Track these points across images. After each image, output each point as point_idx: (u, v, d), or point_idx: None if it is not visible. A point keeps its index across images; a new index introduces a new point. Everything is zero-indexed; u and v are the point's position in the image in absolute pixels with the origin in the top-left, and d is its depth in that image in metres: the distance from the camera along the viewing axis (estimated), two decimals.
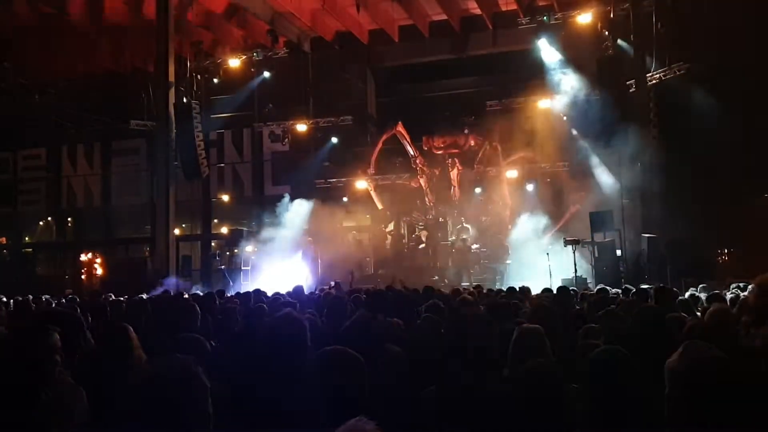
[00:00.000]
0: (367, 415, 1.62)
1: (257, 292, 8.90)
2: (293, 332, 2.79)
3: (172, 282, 17.12)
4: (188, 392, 1.98)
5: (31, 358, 2.63)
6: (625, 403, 2.43)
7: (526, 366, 2.84)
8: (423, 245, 20.68)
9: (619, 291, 8.97)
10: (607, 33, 16.88)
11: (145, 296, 9.98)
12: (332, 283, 15.10)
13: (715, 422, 2.02)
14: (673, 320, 4.05)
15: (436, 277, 18.80)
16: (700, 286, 8.91)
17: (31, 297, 8.56)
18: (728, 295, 7.36)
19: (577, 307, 6.82)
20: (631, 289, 8.56)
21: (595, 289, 9.65)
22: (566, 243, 17.70)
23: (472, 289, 9.85)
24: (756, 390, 2.31)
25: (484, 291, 9.87)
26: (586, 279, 16.05)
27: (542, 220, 18.55)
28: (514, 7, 20.01)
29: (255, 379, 2.57)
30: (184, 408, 1.96)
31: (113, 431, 2.40)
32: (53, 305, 8.70)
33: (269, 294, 9.06)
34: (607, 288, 8.81)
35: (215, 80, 21.46)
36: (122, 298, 9.32)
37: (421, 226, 21.20)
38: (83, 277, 23.31)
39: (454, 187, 20.85)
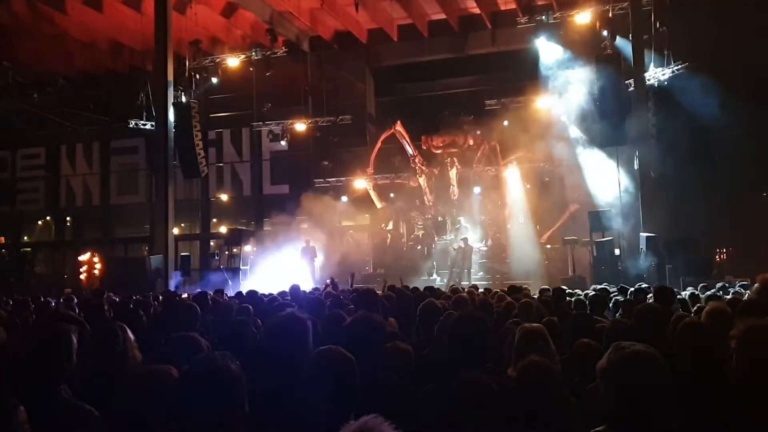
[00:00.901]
0: (365, 412, 1.62)
1: (248, 294, 8.66)
2: (294, 333, 2.79)
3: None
4: (234, 388, 2.03)
5: (53, 356, 2.65)
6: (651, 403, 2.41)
7: (522, 364, 2.84)
8: (421, 245, 20.67)
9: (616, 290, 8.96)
10: (605, 32, 16.88)
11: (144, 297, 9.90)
12: (328, 281, 15.07)
13: (646, 418, 2.06)
14: (675, 319, 4.05)
15: (435, 277, 18.82)
16: (701, 285, 8.92)
17: (30, 298, 8.51)
18: (719, 292, 7.38)
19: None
20: (628, 288, 8.55)
21: (590, 290, 9.65)
22: (565, 242, 17.74)
23: (471, 289, 9.84)
24: (684, 384, 2.34)
25: (480, 291, 9.83)
26: (585, 278, 16.07)
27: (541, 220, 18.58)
28: (513, 6, 20.01)
29: (254, 380, 2.57)
30: (231, 403, 2.02)
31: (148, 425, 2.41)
32: (52, 305, 8.68)
33: (267, 294, 8.97)
34: (607, 288, 8.81)
35: (214, 79, 21.44)
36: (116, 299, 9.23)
37: (420, 225, 21.20)
38: (82, 276, 23.30)
39: (453, 186, 20.85)
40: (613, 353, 2.18)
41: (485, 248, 19.74)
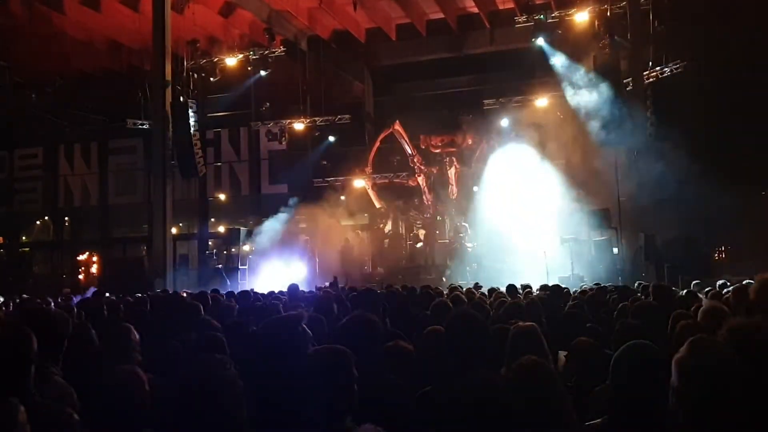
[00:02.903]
0: (365, 412, 1.62)
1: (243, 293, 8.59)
2: (286, 337, 2.77)
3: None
4: (226, 393, 2.00)
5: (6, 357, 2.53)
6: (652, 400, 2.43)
7: (518, 363, 2.84)
8: (421, 244, 20.67)
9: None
10: (603, 31, 16.89)
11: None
12: (327, 284, 15.09)
13: (724, 415, 2.06)
14: (675, 317, 4.06)
15: (434, 276, 18.79)
16: (693, 282, 8.94)
17: (26, 296, 8.51)
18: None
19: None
20: (624, 287, 8.56)
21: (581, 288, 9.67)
22: (563, 241, 17.72)
23: (471, 288, 9.87)
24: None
25: (480, 290, 9.85)
26: (582, 277, 16.06)
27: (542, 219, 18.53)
28: (511, 5, 20.02)
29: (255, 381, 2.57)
30: (224, 409, 1.97)
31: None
32: (51, 305, 8.67)
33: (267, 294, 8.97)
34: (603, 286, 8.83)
35: (212, 79, 21.41)
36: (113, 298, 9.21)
37: (419, 224, 21.20)
38: (80, 276, 23.29)
39: (452, 185, 20.84)
40: (701, 350, 2.19)
41: (483, 247, 19.66)
